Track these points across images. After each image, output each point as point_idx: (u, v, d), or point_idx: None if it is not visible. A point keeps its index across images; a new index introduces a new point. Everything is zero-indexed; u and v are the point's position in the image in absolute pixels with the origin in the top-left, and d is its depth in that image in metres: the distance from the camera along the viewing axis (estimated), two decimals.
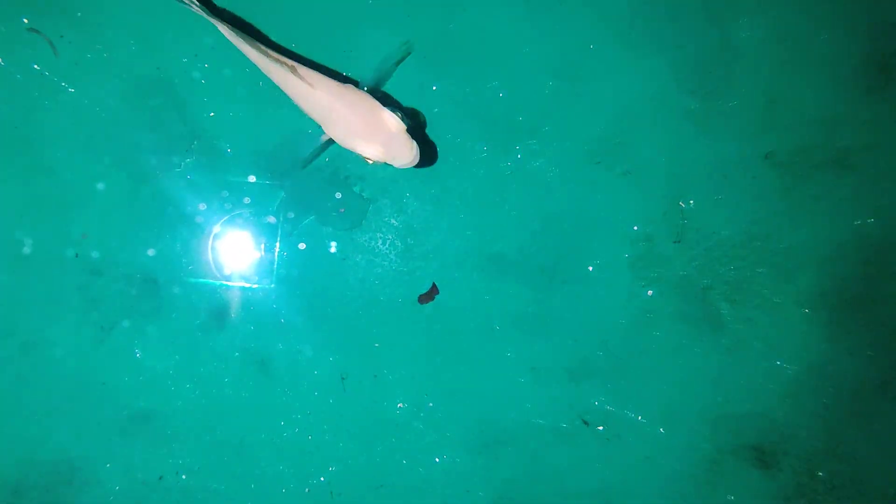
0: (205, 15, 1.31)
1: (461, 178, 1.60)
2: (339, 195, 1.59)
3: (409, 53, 1.51)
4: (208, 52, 1.54)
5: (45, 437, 1.53)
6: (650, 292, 1.64)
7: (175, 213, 1.55)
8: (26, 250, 1.52)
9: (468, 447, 1.62)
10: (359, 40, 1.57)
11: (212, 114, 1.56)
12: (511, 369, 1.62)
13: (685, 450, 1.64)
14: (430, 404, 1.61)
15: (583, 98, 1.61)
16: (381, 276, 1.61)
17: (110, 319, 1.55)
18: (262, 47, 1.26)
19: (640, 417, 1.63)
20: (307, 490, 1.59)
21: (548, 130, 1.61)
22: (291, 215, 1.58)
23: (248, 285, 1.58)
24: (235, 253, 1.58)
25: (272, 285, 1.58)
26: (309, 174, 1.59)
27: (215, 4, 1.27)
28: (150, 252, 1.55)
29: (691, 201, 1.63)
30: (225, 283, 1.57)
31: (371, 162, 1.27)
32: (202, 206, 1.56)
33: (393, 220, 1.61)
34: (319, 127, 1.36)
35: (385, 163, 1.27)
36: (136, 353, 1.55)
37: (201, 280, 1.57)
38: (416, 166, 1.30)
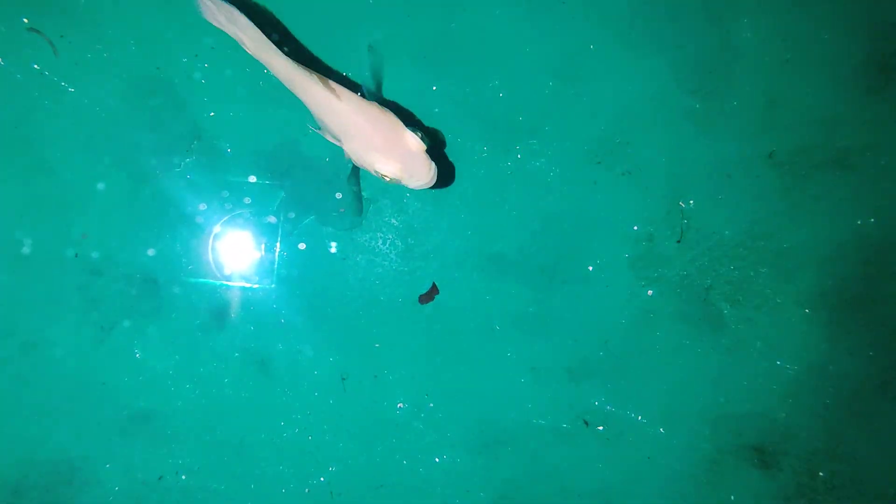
0: (229, 26, 1.30)
1: (461, 178, 1.60)
2: (339, 195, 1.59)
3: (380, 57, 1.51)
4: (208, 52, 1.54)
5: (45, 437, 1.53)
6: (650, 292, 1.64)
7: (175, 213, 1.55)
8: (26, 250, 1.52)
9: (468, 447, 1.62)
10: (359, 40, 1.57)
11: (212, 114, 1.56)
12: (511, 369, 1.62)
13: (685, 450, 1.64)
14: (431, 404, 1.61)
15: (583, 98, 1.61)
16: (382, 276, 1.61)
17: (110, 319, 1.55)
18: (287, 57, 1.25)
19: (640, 417, 1.63)
20: (307, 490, 1.59)
21: (548, 130, 1.61)
22: (291, 215, 1.58)
23: (248, 285, 1.58)
24: (235, 253, 1.58)
25: (272, 285, 1.58)
26: (309, 174, 1.59)
27: (241, 14, 1.26)
28: (150, 252, 1.55)
29: (691, 201, 1.63)
30: (225, 283, 1.57)
31: (387, 179, 1.26)
32: (202, 206, 1.56)
33: (393, 220, 1.61)
34: (318, 125, 1.36)
35: (400, 182, 1.26)
36: (136, 353, 1.55)
37: (201, 280, 1.57)
38: (432, 187, 1.29)
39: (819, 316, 1.64)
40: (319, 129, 1.41)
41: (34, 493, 1.53)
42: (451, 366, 1.62)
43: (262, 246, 1.58)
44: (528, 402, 1.63)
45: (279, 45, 1.26)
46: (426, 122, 1.59)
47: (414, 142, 1.24)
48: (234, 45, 1.52)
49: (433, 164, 1.26)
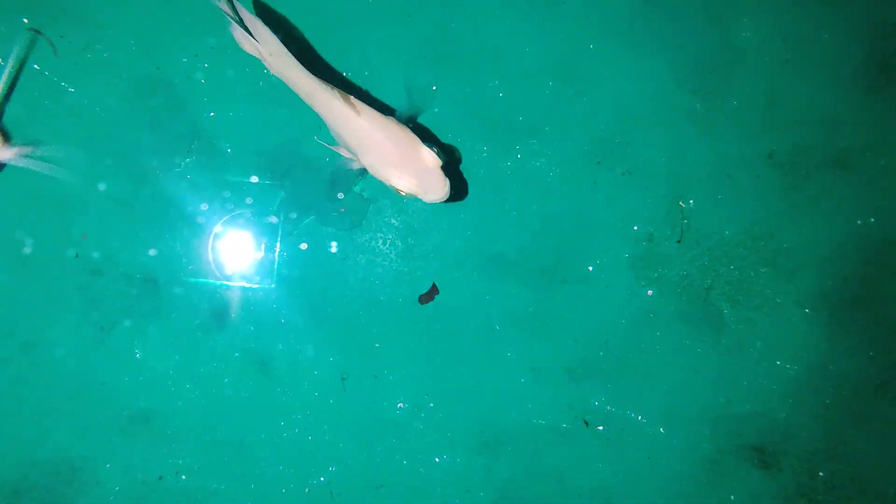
0: (251, 38, 1.31)
1: (461, 178, 1.60)
2: (340, 195, 1.59)
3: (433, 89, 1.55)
4: (208, 53, 1.54)
5: (45, 437, 1.53)
6: (650, 292, 1.64)
7: (175, 213, 1.55)
8: (26, 250, 1.52)
9: (468, 447, 1.62)
10: (359, 40, 1.57)
11: (212, 114, 1.56)
12: (511, 369, 1.62)
13: (685, 450, 1.64)
14: (431, 404, 1.61)
15: (583, 98, 1.61)
16: (382, 276, 1.61)
17: (110, 319, 1.55)
18: (308, 72, 1.27)
19: (640, 417, 1.63)
20: (307, 490, 1.59)
21: (548, 130, 1.61)
22: (292, 215, 1.58)
23: (248, 285, 1.58)
24: (235, 253, 1.58)
25: (272, 285, 1.58)
26: (309, 174, 1.59)
27: (265, 26, 1.28)
28: (151, 252, 1.55)
29: (691, 201, 1.63)
30: (225, 283, 1.57)
31: (403, 194, 1.28)
32: (202, 207, 1.56)
33: (393, 220, 1.61)
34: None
35: (416, 196, 1.28)
36: (136, 353, 1.55)
37: (201, 280, 1.57)
38: (446, 201, 1.31)
39: (819, 316, 1.64)
40: (331, 143, 1.42)
41: (34, 493, 1.53)
42: (451, 366, 1.62)
43: (262, 246, 1.58)
44: (528, 402, 1.63)
45: (298, 57, 1.27)
46: (426, 122, 1.59)
47: (430, 157, 1.26)
48: (235, 46, 1.52)
49: (448, 180, 1.28)
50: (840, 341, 1.64)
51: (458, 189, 1.59)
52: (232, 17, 1.31)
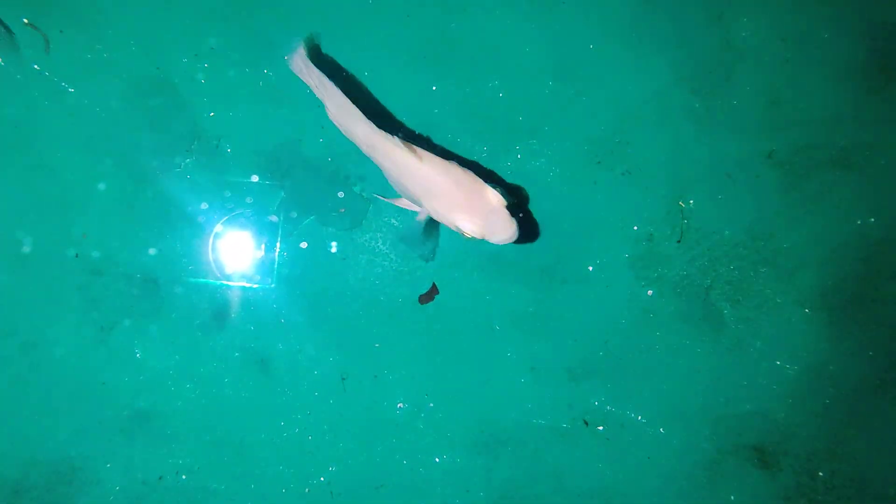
0: (318, 85, 1.34)
1: None
2: (341, 194, 1.59)
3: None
4: (208, 53, 1.54)
5: (45, 437, 1.53)
6: (650, 292, 1.64)
7: (175, 213, 1.55)
8: (26, 250, 1.52)
9: (468, 447, 1.62)
10: (359, 40, 1.57)
11: (212, 114, 1.56)
12: (511, 369, 1.62)
13: (685, 450, 1.64)
14: (431, 404, 1.61)
15: (583, 98, 1.61)
16: (382, 276, 1.61)
17: (110, 319, 1.55)
18: (370, 122, 1.29)
19: (640, 417, 1.63)
20: (307, 490, 1.59)
21: (548, 130, 1.61)
22: (292, 215, 1.59)
23: (248, 285, 1.58)
24: (236, 253, 1.58)
25: (272, 285, 1.58)
26: (309, 174, 1.59)
27: (330, 81, 1.31)
28: (151, 252, 1.55)
29: (691, 201, 1.63)
30: (225, 282, 1.58)
31: (468, 236, 1.28)
32: (202, 206, 1.57)
33: (393, 220, 1.61)
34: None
35: (483, 238, 1.28)
36: (136, 353, 1.55)
37: (201, 280, 1.57)
38: (516, 242, 1.30)
39: (819, 316, 1.64)
40: (390, 196, 1.45)
41: (34, 493, 1.53)
42: (451, 366, 1.62)
43: (263, 246, 1.59)
44: (528, 402, 1.63)
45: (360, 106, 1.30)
46: (426, 122, 1.59)
47: (495, 198, 1.27)
48: (235, 46, 1.53)
49: (514, 220, 1.27)
50: (840, 341, 1.64)
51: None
52: (301, 76, 1.35)
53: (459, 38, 1.59)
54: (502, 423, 1.63)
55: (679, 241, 1.63)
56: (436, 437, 1.61)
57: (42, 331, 1.53)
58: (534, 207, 1.61)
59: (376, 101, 1.57)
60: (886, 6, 1.63)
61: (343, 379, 1.60)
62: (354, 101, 1.30)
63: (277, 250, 1.58)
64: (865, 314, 1.64)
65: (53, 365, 1.53)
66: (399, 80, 1.58)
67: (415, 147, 1.28)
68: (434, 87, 1.59)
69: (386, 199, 1.46)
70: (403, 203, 1.43)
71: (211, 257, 1.57)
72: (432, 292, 1.61)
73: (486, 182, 1.27)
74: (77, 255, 1.53)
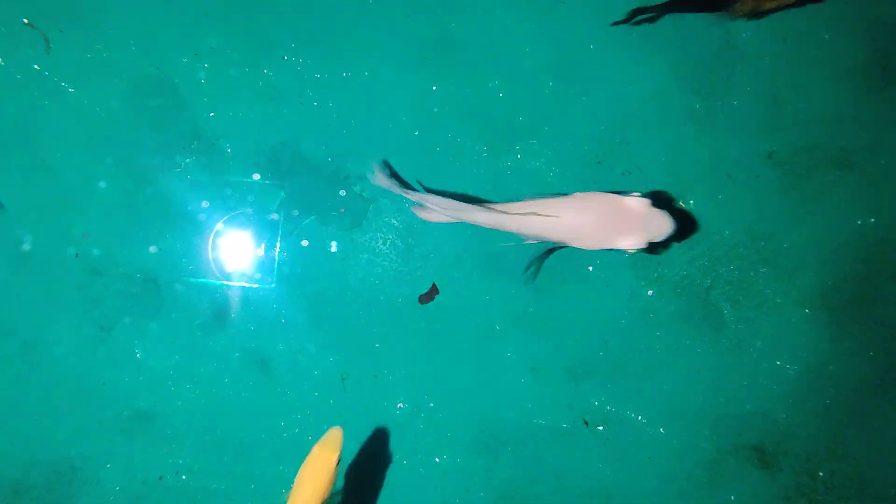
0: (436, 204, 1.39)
1: (461, 178, 1.60)
2: (343, 192, 1.59)
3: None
4: (208, 52, 1.54)
5: (45, 437, 1.53)
6: (650, 292, 1.64)
7: (175, 213, 1.55)
8: (26, 249, 1.52)
9: (468, 447, 1.62)
10: (359, 40, 1.57)
11: (212, 114, 1.56)
12: (511, 369, 1.62)
13: (685, 450, 1.64)
14: (431, 404, 1.61)
15: (583, 98, 1.61)
16: (382, 276, 1.61)
17: (111, 319, 1.55)
18: (490, 209, 1.33)
19: (640, 417, 1.63)
20: None
21: (548, 130, 1.61)
22: (292, 215, 1.58)
23: (248, 285, 1.58)
24: (236, 253, 1.58)
25: (272, 285, 1.58)
26: (309, 174, 1.59)
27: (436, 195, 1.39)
28: (151, 250, 1.55)
29: (691, 201, 1.63)
30: (225, 282, 1.58)
31: (632, 251, 1.29)
32: (202, 206, 1.57)
33: (393, 220, 1.61)
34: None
35: (649, 244, 1.30)
36: (137, 353, 1.55)
37: (201, 280, 1.57)
38: (677, 237, 1.31)
39: (819, 316, 1.64)
40: (537, 247, 1.47)
41: (34, 493, 1.53)
42: (451, 366, 1.62)
43: (263, 246, 1.59)
44: (528, 402, 1.63)
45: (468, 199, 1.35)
46: (426, 122, 1.59)
47: (638, 203, 1.28)
48: (235, 46, 1.53)
49: (664, 211, 1.28)
50: (840, 341, 1.64)
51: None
52: (412, 200, 1.41)
53: (459, 38, 1.59)
54: (502, 423, 1.63)
55: (679, 241, 1.63)
56: (436, 437, 1.61)
57: (42, 330, 1.53)
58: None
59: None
60: (887, 6, 1.62)
61: (343, 379, 1.60)
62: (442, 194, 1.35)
63: (277, 250, 1.58)
64: (866, 314, 1.64)
65: (53, 365, 1.53)
66: (399, 80, 1.58)
67: (539, 205, 1.31)
68: (434, 87, 1.59)
69: (536, 260, 1.51)
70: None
71: (211, 257, 1.57)
72: (432, 292, 1.61)
73: (616, 193, 1.28)
74: (77, 256, 1.53)
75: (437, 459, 1.61)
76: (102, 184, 1.53)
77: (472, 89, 1.59)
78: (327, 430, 1.54)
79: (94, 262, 1.54)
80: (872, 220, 1.63)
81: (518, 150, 1.61)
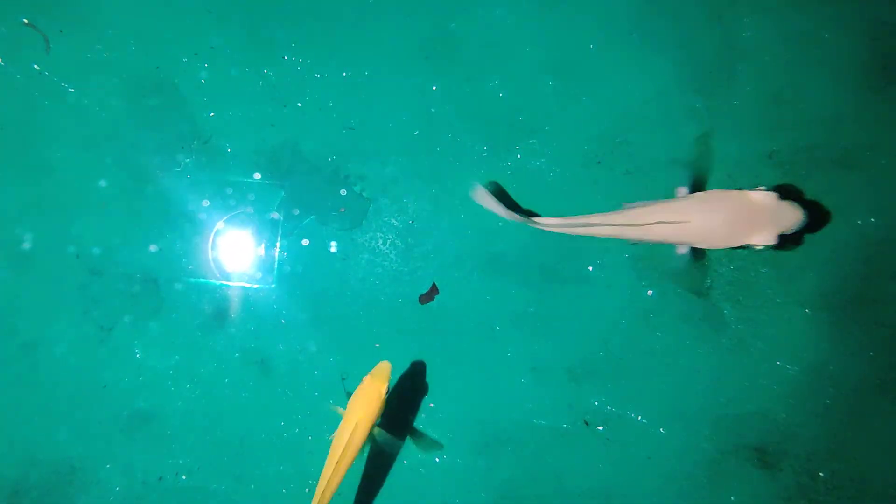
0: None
1: (461, 178, 1.60)
2: (344, 191, 1.59)
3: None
4: (208, 52, 1.54)
5: (45, 437, 1.53)
6: (651, 292, 1.64)
7: (175, 213, 1.55)
8: (27, 249, 1.52)
9: (468, 447, 1.61)
10: (359, 40, 1.57)
11: (212, 114, 1.56)
12: (511, 369, 1.62)
13: (686, 450, 1.64)
14: (431, 404, 1.61)
15: (583, 98, 1.61)
16: (382, 276, 1.61)
17: (111, 319, 1.55)
18: (616, 218, 1.34)
19: (640, 418, 1.63)
20: (307, 490, 1.59)
21: (548, 130, 1.61)
22: (292, 214, 1.58)
23: (248, 285, 1.58)
24: (236, 253, 1.58)
25: (272, 285, 1.58)
26: (309, 174, 1.59)
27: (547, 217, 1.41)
28: (152, 250, 1.55)
29: None
30: (225, 283, 1.58)
31: (762, 247, 1.30)
32: (202, 206, 1.57)
33: (393, 220, 1.61)
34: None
35: (778, 239, 1.30)
36: (137, 354, 1.55)
37: (201, 280, 1.57)
38: (807, 229, 1.31)
39: (819, 316, 1.64)
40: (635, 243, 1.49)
41: (34, 493, 1.53)
42: (451, 366, 1.62)
43: (263, 246, 1.58)
44: (528, 402, 1.63)
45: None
46: (426, 122, 1.59)
47: (765, 197, 1.27)
48: (235, 45, 1.53)
49: (791, 202, 1.28)
50: (840, 341, 1.64)
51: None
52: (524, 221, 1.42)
53: (459, 38, 1.59)
54: (502, 423, 1.63)
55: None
56: (436, 437, 1.61)
57: (42, 330, 1.53)
58: (534, 207, 1.61)
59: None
60: (887, 6, 1.62)
61: (343, 379, 1.60)
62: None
63: (277, 250, 1.58)
64: (866, 314, 1.64)
65: (53, 365, 1.53)
66: (399, 80, 1.58)
67: (662, 206, 1.32)
68: (434, 87, 1.59)
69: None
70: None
71: (211, 257, 1.57)
72: (432, 292, 1.61)
73: (739, 189, 1.27)
74: (78, 256, 1.53)
75: (437, 459, 1.61)
76: (102, 183, 1.53)
77: (472, 89, 1.59)
78: (327, 429, 1.54)
79: (94, 261, 1.54)
80: (873, 220, 1.62)
81: (518, 150, 1.60)
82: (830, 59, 1.63)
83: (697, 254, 1.49)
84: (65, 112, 1.51)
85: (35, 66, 1.49)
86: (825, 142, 1.63)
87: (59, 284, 1.53)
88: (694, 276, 1.53)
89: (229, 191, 1.57)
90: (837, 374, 1.63)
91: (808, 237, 1.63)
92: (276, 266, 1.58)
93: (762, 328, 1.64)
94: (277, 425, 1.59)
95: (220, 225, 1.57)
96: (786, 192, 1.37)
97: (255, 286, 1.58)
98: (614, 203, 1.62)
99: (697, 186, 1.49)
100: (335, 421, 1.60)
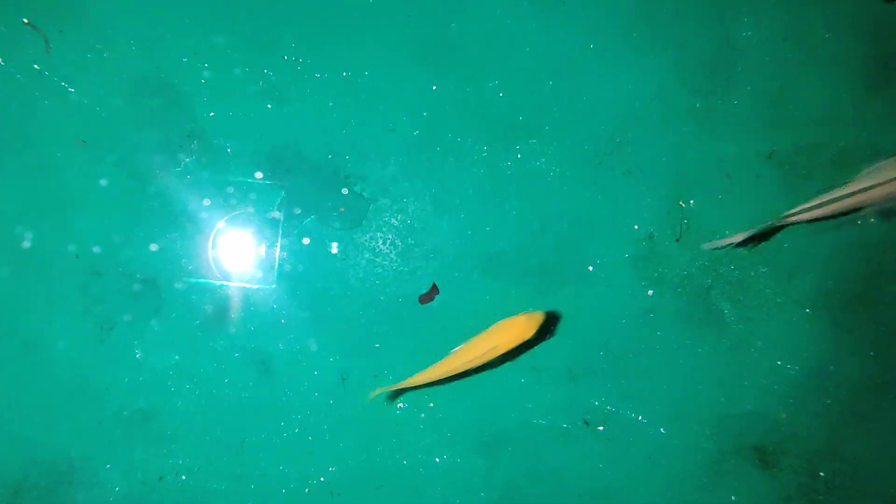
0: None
1: (461, 178, 1.60)
2: (345, 191, 1.59)
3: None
4: (208, 52, 1.54)
5: (45, 437, 1.53)
6: (651, 292, 1.64)
7: (175, 213, 1.55)
8: (27, 249, 1.52)
9: (468, 447, 1.61)
10: (359, 40, 1.57)
11: (212, 114, 1.56)
12: (511, 369, 1.62)
13: (686, 450, 1.64)
14: (431, 404, 1.61)
15: (583, 97, 1.61)
16: (382, 276, 1.61)
17: (111, 319, 1.55)
18: (857, 185, 1.39)
19: (640, 417, 1.63)
20: (307, 490, 1.59)
21: (548, 130, 1.61)
22: (292, 214, 1.58)
23: (248, 285, 1.58)
24: (235, 253, 1.58)
25: (272, 285, 1.58)
26: (309, 174, 1.59)
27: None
28: (152, 249, 1.55)
29: (692, 201, 1.63)
30: (225, 282, 1.57)
31: None
32: (202, 206, 1.56)
33: (393, 220, 1.61)
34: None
35: None
36: (136, 353, 1.55)
37: (201, 280, 1.57)
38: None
39: (820, 316, 1.64)
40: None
41: (34, 493, 1.53)
42: None
43: (263, 246, 1.58)
44: (528, 402, 1.63)
45: None
46: (426, 122, 1.59)
47: None
48: (235, 45, 1.53)
49: None
50: (841, 341, 1.64)
51: None
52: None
53: (459, 38, 1.59)
54: (502, 423, 1.62)
55: (678, 240, 1.62)
56: (436, 437, 1.61)
57: (42, 330, 1.53)
58: (534, 207, 1.61)
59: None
60: (887, 6, 1.62)
61: (343, 379, 1.60)
62: None
63: (278, 250, 1.58)
64: (866, 314, 1.64)
65: (53, 365, 1.53)
66: (399, 80, 1.58)
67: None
68: (434, 87, 1.59)
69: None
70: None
71: (211, 257, 1.57)
72: (432, 292, 1.61)
73: None
74: (78, 256, 1.53)
75: (437, 459, 1.61)
76: (103, 183, 1.53)
77: (472, 89, 1.59)
78: (327, 429, 1.54)
79: (94, 262, 1.54)
80: (872, 220, 1.62)
81: (518, 150, 1.60)
82: (830, 59, 1.63)
83: None
84: (65, 112, 1.51)
85: (35, 66, 1.49)
86: (825, 142, 1.63)
87: (59, 284, 1.53)
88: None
89: (229, 191, 1.57)
90: (837, 374, 1.63)
91: (808, 237, 1.63)
92: (276, 266, 1.58)
93: (762, 328, 1.64)
94: (277, 425, 1.59)
95: (220, 225, 1.57)
96: None
97: (255, 286, 1.58)
98: (615, 204, 1.62)
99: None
100: (335, 421, 1.60)
